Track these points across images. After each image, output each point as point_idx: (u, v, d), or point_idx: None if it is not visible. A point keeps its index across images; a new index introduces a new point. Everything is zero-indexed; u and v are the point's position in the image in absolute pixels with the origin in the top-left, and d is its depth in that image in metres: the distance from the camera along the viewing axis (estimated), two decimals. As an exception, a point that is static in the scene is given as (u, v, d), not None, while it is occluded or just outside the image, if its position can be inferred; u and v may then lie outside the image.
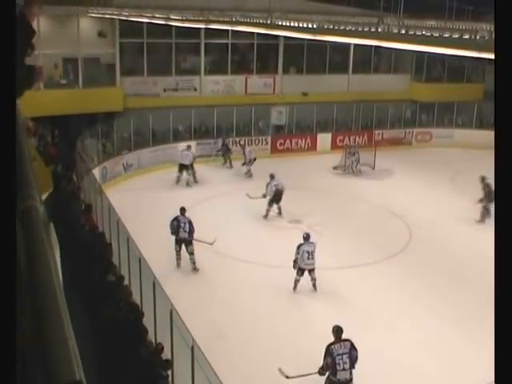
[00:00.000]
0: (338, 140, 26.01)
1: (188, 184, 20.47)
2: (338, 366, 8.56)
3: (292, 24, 14.59)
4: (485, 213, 16.94)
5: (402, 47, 12.32)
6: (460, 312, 12.13)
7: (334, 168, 22.71)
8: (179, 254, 14.05)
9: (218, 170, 22.43)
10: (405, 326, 11.63)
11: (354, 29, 12.40)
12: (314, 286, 12.97)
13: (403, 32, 10.50)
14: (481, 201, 16.98)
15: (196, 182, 20.76)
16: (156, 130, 22.88)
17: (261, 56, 26.77)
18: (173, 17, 18.89)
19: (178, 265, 14.12)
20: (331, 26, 13.23)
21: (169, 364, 7.59)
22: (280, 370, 9.46)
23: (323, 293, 12.89)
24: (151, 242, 13.96)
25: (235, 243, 15.45)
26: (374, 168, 22.69)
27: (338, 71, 28.04)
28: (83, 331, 7.76)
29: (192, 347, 7.00)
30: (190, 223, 13.93)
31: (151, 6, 20.53)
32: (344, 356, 8.58)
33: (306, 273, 12.87)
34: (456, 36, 9.23)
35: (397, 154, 24.84)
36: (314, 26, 13.49)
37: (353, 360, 8.65)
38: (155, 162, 21.76)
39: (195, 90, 25.31)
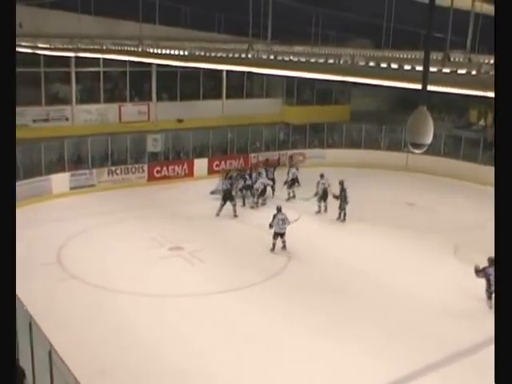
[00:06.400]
0: (214, 165, 26.23)
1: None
2: (491, 282, 13.16)
3: (163, 51, 14.62)
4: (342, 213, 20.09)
5: (272, 72, 12.72)
6: (333, 325, 12.55)
7: (212, 193, 22.80)
8: None
9: (101, 200, 21.77)
10: (287, 344, 11.83)
11: (224, 55, 12.64)
12: (284, 246, 16.86)
13: (272, 58, 10.84)
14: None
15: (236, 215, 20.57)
16: (26, 163, 21.77)
17: (134, 84, 26.54)
18: (40, 45, 18.33)
19: None
20: (202, 53, 13.40)
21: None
22: None
23: (208, 321, 12.77)
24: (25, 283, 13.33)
25: (115, 275, 15.09)
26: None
27: (212, 97, 28.40)
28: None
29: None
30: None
31: (16, 33, 19.75)
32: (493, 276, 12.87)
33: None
34: (321, 61, 9.64)
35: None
36: (186, 53, 13.60)
37: None
38: (25, 197, 20.71)
39: (67, 119, 24.59)
